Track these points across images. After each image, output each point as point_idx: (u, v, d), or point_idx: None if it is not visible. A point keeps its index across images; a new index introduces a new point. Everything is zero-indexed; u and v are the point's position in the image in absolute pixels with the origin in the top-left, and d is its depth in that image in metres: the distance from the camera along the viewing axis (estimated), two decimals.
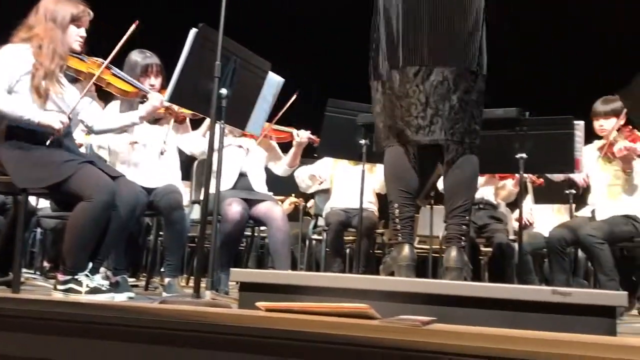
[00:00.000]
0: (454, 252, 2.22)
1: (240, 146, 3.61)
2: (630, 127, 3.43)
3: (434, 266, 4.71)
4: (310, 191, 4.56)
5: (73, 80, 2.71)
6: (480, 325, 1.60)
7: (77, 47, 2.61)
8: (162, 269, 3.82)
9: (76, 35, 2.59)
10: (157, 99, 2.86)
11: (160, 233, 3.78)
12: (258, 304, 1.72)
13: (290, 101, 3.66)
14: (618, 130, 3.49)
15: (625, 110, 3.41)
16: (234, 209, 3.29)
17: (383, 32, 2.35)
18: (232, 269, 2.10)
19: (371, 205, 4.26)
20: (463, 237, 2.27)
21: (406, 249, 2.27)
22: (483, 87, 2.33)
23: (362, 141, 3.42)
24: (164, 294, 2.95)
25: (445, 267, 2.23)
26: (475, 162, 2.30)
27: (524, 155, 3.19)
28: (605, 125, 3.58)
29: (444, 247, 4.60)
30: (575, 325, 1.60)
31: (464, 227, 2.27)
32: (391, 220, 2.38)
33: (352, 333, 1.39)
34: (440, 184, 4.26)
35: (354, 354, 1.36)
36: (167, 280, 3.08)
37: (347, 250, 4.89)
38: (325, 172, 4.43)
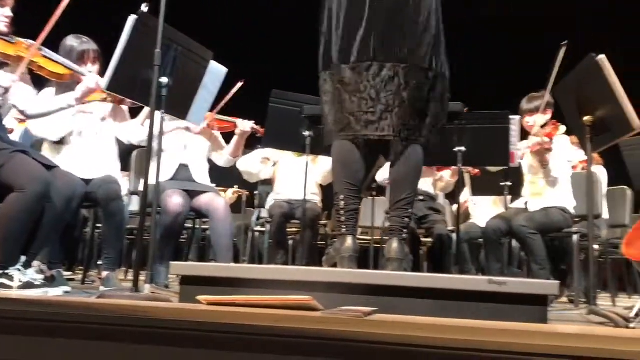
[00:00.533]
0: (395, 244, 2.26)
1: (187, 128, 3.54)
2: (554, 122, 3.58)
3: (376, 257, 4.78)
4: (261, 176, 4.51)
5: (0, 64, 2.58)
6: (420, 315, 1.64)
7: (2, 27, 2.48)
8: (99, 262, 3.71)
9: (1, 16, 2.46)
10: (92, 80, 2.77)
11: (98, 225, 3.67)
12: (199, 297, 1.70)
13: (234, 91, 3.62)
14: (542, 126, 3.64)
15: (544, 106, 3.59)
16: (174, 200, 3.23)
17: (334, 25, 2.36)
18: (172, 262, 2.07)
19: (315, 197, 4.27)
20: (405, 229, 2.32)
21: (349, 241, 2.29)
22: (439, 85, 2.35)
23: (306, 133, 3.42)
24: (102, 288, 2.87)
25: (387, 258, 2.27)
26: (420, 156, 2.34)
27: (462, 148, 3.28)
28: (531, 121, 3.74)
29: (385, 238, 4.69)
30: (510, 314, 1.66)
31: (406, 219, 2.31)
32: (336, 212, 2.39)
33: (295, 325, 1.39)
34: (378, 176, 4.36)
35: (297, 345, 1.37)
36: (104, 273, 2.99)
37: (291, 242, 4.90)
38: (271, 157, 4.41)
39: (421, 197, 4.26)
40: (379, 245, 4.72)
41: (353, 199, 2.33)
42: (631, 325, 1.97)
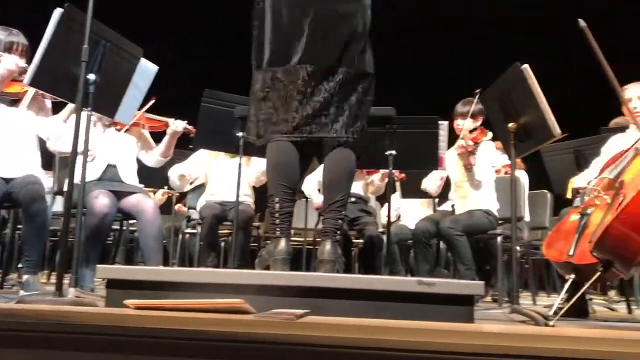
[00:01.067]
0: (328, 245, 2.27)
1: (117, 129, 3.44)
2: (482, 128, 3.72)
3: (308, 259, 4.80)
4: (184, 190, 4.46)
5: None
6: (352, 316, 1.65)
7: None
8: (19, 265, 3.53)
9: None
10: (11, 62, 2.63)
11: (19, 226, 3.48)
12: (126, 301, 1.65)
13: (145, 108, 3.52)
14: (471, 131, 3.78)
15: (472, 113, 3.73)
16: (100, 201, 3.13)
17: (269, 25, 2.36)
18: (98, 265, 1.99)
19: (247, 199, 4.24)
20: (338, 231, 2.34)
21: (282, 243, 2.29)
22: (368, 87, 2.40)
23: (240, 133, 3.38)
24: (22, 293, 2.73)
25: (320, 260, 2.28)
26: (353, 158, 2.37)
27: (393, 152, 3.34)
28: (462, 124, 3.87)
29: (318, 239, 4.71)
30: (438, 314, 1.70)
31: (339, 221, 2.33)
32: (270, 214, 2.38)
33: (225, 329, 1.37)
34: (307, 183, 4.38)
35: (229, 349, 1.35)
36: (25, 277, 2.85)
37: (222, 244, 4.84)
38: (197, 168, 4.35)
39: (353, 199, 4.32)
40: (311, 247, 4.73)
41: (288, 202, 2.33)
42: (550, 323, 2.07)
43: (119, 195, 3.30)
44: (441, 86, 6.97)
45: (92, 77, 2.26)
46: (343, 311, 1.69)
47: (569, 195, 3.32)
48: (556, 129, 2.45)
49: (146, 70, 2.76)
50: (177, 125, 3.61)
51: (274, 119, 2.35)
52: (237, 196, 3.47)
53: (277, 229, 2.32)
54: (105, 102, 2.53)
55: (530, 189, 4.74)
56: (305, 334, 1.35)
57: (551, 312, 2.54)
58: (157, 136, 3.73)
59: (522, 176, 4.65)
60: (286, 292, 1.76)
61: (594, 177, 3.14)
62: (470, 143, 3.65)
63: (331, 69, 2.30)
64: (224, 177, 4.21)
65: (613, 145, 3.23)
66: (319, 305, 1.70)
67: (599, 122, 4.28)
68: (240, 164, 3.47)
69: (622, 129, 3.50)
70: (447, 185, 4.13)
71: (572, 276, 2.78)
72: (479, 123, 3.78)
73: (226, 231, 4.54)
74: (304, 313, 1.55)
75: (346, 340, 1.32)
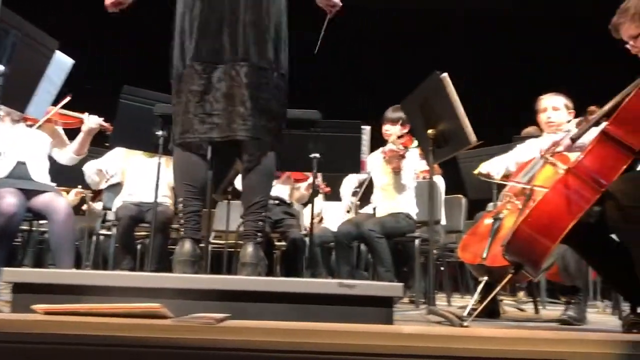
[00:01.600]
0: (250, 248, 2.25)
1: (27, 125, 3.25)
2: (410, 135, 3.82)
3: (229, 262, 4.73)
4: (100, 187, 4.28)
5: None
6: (274, 319, 1.64)
7: None
8: None
9: None
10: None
11: None
12: (34, 307, 1.56)
13: (60, 105, 3.37)
14: (399, 137, 3.87)
15: (401, 120, 3.84)
16: (8, 200, 2.95)
17: (178, 25, 2.33)
18: (3, 268, 1.87)
19: (166, 199, 4.12)
20: (259, 233, 2.31)
21: (187, 245, 2.23)
22: (282, 85, 2.38)
23: (159, 132, 3.29)
24: None
25: (241, 263, 2.25)
26: (272, 160, 2.35)
27: (317, 155, 3.36)
28: (391, 130, 3.96)
29: (240, 242, 4.65)
30: (359, 315, 1.72)
31: (260, 223, 2.31)
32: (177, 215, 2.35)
33: (142, 334, 1.32)
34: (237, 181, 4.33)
35: (145, 355, 1.30)
36: None
37: (139, 247, 4.69)
38: (114, 165, 4.20)
39: (276, 202, 4.31)
40: (233, 250, 4.68)
41: (192, 201, 2.28)
42: (465, 323, 2.14)
43: (28, 194, 3.13)
44: (366, 92, 7.11)
45: (1, 68, 2.13)
46: (265, 315, 1.68)
47: (475, 171, 3.40)
48: (472, 137, 2.54)
49: (61, 63, 2.63)
50: (92, 122, 3.46)
51: (181, 119, 2.30)
52: (156, 197, 3.37)
53: (182, 229, 2.27)
54: (15, 96, 2.39)
55: (446, 193, 4.90)
56: (225, 338, 1.32)
57: (465, 313, 2.63)
58: (72, 133, 3.57)
59: (439, 181, 4.80)
60: (206, 296, 1.73)
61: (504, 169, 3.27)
62: (402, 147, 3.74)
63: (236, 65, 2.26)
64: (141, 177, 4.08)
65: (529, 147, 3.40)
66: (240, 309, 1.68)
67: (511, 131, 4.50)
68: (159, 164, 3.38)
69: (534, 137, 3.69)
70: (370, 187, 4.20)
71: (485, 278, 2.90)
72: (406, 130, 3.88)
73: (143, 233, 4.40)
74: (225, 317, 1.52)
75: (267, 344, 1.31)
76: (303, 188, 4.54)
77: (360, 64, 7.73)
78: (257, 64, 2.28)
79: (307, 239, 4.12)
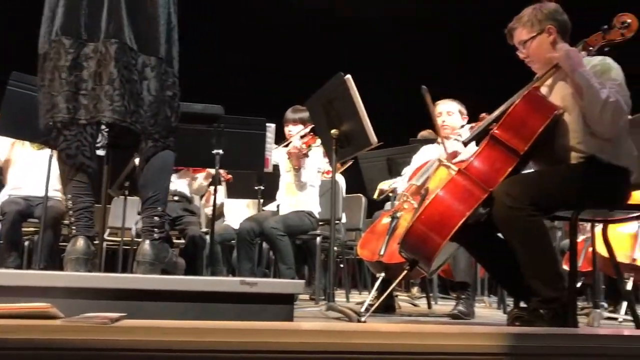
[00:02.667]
0: (146, 246, 2.17)
1: None
2: (313, 135, 3.86)
3: (125, 259, 4.56)
4: None
5: None
6: (173, 318, 1.60)
7: None
8: None
9: None
10: None
11: None
12: None
13: None
14: (302, 136, 3.91)
15: (303, 119, 3.89)
16: None
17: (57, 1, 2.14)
18: None
19: (57, 194, 3.91)
20: (156, 229, 2.22)
21: (80, 242, 2.13)
22: (167, 72, 2.24)
23: (51, 122, 3.10)
24: None
25: (137, 261, 2.17)
26: (170, 153, 2.25)
27: (220, 151, 3.32)
28: (293, 130, 3.99)
29: (137, 240, 4.49)
30: (260, 313, 1.72)
31: (155, 218, 2.21)
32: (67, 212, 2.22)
33: (30, 336, 1.25)
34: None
35: (35, 358, 1.23)
36: None
37: (26, 243, 4.41)
38: None
39: (176, 198, 4.20)
40: (129, 247, 4.51)
41: (82, 197, 2.16)
42: (362, 319, 2.21)
43: None
44: (272, 89, 7.10)
45: None
46: (163, 314, 1.63)
47: (375, 196, 3.57)
48: (373, 138, 2.62)
49: None
50: None
51: (43, 97, 2.13)
52: (46, 191, 3.19)
53: (73, 227, 2.16)
54: None
55: (346, 192, 5.01)
56: (120, 338, 1.28)
57: (363, 309, 2.71)
58: None
59: (339, 179, 4.90)
60: (100, 295, 1.66)
61: (404, 183, 3.44)
62: (304, 146, 3.78)
63: (107, 43, 2.10)
64: (30, 170, 3.85)
65: (423, 155, 3.56)
66: (137, 308, 1.62)
67: (409, 133, 4.69)
68: (50, 156, 3.19)
69: (430, 140, 3.87)
70: (274, 185, 4.20)
71: (383, 274, 3.01)
72: (308, 129, 3.92)
73: (32, 229, 4.14)
74: (120, 317, 1.46)
75: (165, 344, 1.28)
76: (202, 178, 4.47)
77: (269, 61, 7.71)
78: (129, 44, 2.13)
79: (207, 237, 4.05)
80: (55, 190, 3.87)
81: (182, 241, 4.26)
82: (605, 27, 2.25)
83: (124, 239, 4.53)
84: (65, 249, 2.18)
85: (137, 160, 3.80)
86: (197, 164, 4.02)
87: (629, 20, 2.21)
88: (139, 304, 1.66)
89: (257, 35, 7.45)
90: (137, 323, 1.39)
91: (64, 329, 1.30)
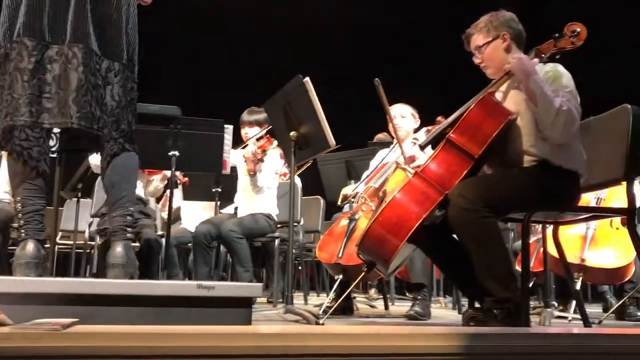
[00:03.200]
0: (119, 248, 2.13)
1: None
2: (269, 137, 3.85)
3: (77, 263, 4.45)
4: None
5: None
6: (128, 323, 1.57)
7: None
8: None
9: None
10: None
11: None
12: None
13: None
14: (258, 139, 3.89)
15: (259, 121, 3.88)
16: None
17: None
18: None
19: (6, 196, 3.78)
20: (129, 228, 2.21)
21: (30, 246, 2.07)
22: (131, 78, 2.24)
23: None
24: None
25: (110, 264, 2.12)
26: (135, 155, 2.24)
27: (176, 152, 3.26)
28: (250, 133, 3.97)
29: (90, 243, 4.39)
30: (218, 317, 1.70)
31: (128, 218, 2.20)
32: (16, 215, 2.15)
33: None
34: None
35: None
36: None
37: None
38: None
39: None
40: (81, 251, 4.40)
41: (32, 200, 2.11)
42: (320, 321, 2.21)
43: None
44: (232, 90, 7.05)
45: None
46: (117, 319, 1.60)
47: (339, 202, 3.60)
48: (331, 140, 2.63)
49: None
50: None
51: (2, 99, 2.07)
52: None
53: (22, 230, 2.10)
54: None
55: (303, 194, 5.02)
56: (73, 345, 1.24)
57: (321, 311, 2.72)
58: None
59: (297, 182, 4.90)
60: (51, 300, 1.61)
61: (363, 185, 3.47)
62: (259, 151, 3.75)
63: (73, 47, 2.06)
64: None
65: (379, 158, 3.60)
66: (90, 314, 1.58)
67: (366, 136, 4.73)
68: None
69: (387, 144, 3.91)
70: (232, 187, 4.17)
71: (341, 276, 3.02)
72: (264, 132, 3.90)
73: None
74: (72, 322, 1.42)
75: (120, 350, 1.25)
76: (158, 180, 4.39)
77: (227, 63, 7.66)
78: (95, 49, 2.11)
79: (162, 240, 3.98)
80: (5, 192, 3.75)
81: (137, 244, 4.17)
82: (557, 35, 2.32)
83: (77, 242, 4.41)
84: (12, 252, 2.11)
85: (91, 162, 3.76)
86: (152, 166, 3.95)
87: (578, 29, 2.29)
88: (92, 309, 1.62)
89: (217, 37, 7.40)
90: (90, 329, 1.35)
91: (13, 336, 1.26)
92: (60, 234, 4.78)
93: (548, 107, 2.14)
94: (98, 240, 4.07)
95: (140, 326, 1.49)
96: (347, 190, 3.54)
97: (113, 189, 2.19)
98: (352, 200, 3.40)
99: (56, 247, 3.80)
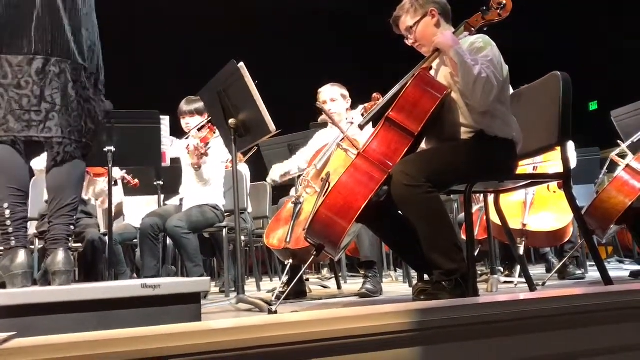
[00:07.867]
0: (61, 254, 2.06)
1: None
2: (211, 126, 3.76)
3: None
4: None
5: None
6: (71, 331, 1.51)
7: None
8: None
9: None
10: None
11: None
12: None
13: None
14: (200, 129, 3.80)
15: (198, 110, 3.80)
16: None
17: None
18: None
19: None
20: (70, 237, 2.16)
21: (21, 255, 2.02)
22: (97, 86, 2.26)
23: None
24: None
25: (53, 272, 2.04)
26: (83, 163, 2.22)
27: (112, 148, 3.16)
28: (191, 122, 3.88)
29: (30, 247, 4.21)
30: (165, 315, 1.66)
31: (71, 226, 2.15)
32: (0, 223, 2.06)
33: None
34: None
35: None
36: None
37: None
38: None
39: None
40: None
41: (20, 206, 2.08)
42: (273, 308, 2.19)
43: None
44: (165, 81, 6.89)
45: None
46: (58, 328, 1.53)
47: (268, 179, 3.54)
48: (271, 126, 2.59)
49: None
50: None
51: None
52: None
53: (12, 238, 2.04)
54: None
55: (251, 181, 4.97)
56: None
57: (274, 297, 2.70)
58: None
59: (244, 169, 4.85)
60: None
61: (296, 164, 3.44)
62: (202, 145, 3.65)
63: (61, 62, 2.10)
64: None
65: (319, 139, 3.58)
66: (28, 325, 1.51)
67: (309, 118, 4.70)
68: None
69: (324, 125, 3.90)
70: (174, 179, 4.08)
71: (291, 261, 3.01)
72: (205, 120, 3.81)
73: None
74: (9, 337, 1.36)
75: None
76: (104, 182, 4.25)
77: (158, 52, 7.47)
78: (75, 61, 2.14)
79: (106, 238, 3.87)
80: None
81: (80, 245, 4.04)
82: (484, 8, 2.36)
83: None
84: None
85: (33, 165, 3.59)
86: (89, 164, 3.80)
87: (504, 2, 2.34)
88: (30, 319, 1.55)
89: (150, 28, 7.20)
90: (29, 342, 1.29)
91: None
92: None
93: (467, 74, 2.18)
94: (37, 244, 3.91)
95: (81, 334, 1.43)
96: (276, 174, 3.47)
97: (58, 195, 2.13)
98: (295, 179, 3.35)
99: None
